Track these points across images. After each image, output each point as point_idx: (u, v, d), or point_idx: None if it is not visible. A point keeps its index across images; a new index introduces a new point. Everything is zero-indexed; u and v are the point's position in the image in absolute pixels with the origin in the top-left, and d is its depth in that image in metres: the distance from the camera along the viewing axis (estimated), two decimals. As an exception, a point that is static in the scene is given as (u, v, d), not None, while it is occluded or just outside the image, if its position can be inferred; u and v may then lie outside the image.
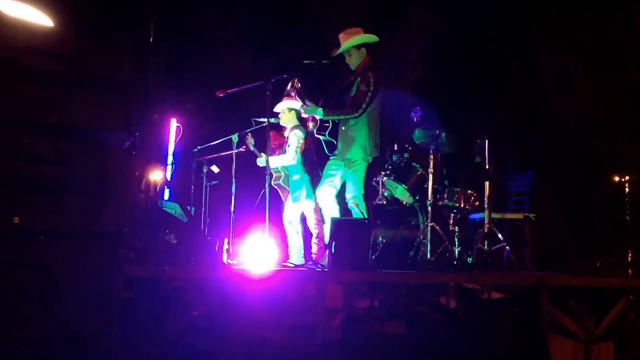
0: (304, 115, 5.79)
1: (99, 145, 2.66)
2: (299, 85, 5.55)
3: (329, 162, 5.66)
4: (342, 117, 5.45)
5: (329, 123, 5.63)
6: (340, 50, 5.59)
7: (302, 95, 5.58)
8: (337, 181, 5.57)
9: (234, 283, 4.12)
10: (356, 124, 5.42)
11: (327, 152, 5.72)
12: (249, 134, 6.11)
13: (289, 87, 5.63)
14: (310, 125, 5.88)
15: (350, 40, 5.54)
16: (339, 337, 4.77)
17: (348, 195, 5.49)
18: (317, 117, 5.62)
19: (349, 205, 5.50)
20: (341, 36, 5.62)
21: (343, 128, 5.52)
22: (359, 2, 11.11)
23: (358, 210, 5.37)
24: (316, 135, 5.76)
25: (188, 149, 6.83)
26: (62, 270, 2.47)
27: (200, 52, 10.88)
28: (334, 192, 5.57)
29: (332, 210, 5.51)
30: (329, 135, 5.67)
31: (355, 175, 5.45)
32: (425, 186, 5.55)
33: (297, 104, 5.70)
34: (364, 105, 5.35)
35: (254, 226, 5.59)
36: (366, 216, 5.39)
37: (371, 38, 5.58)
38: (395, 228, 5.82)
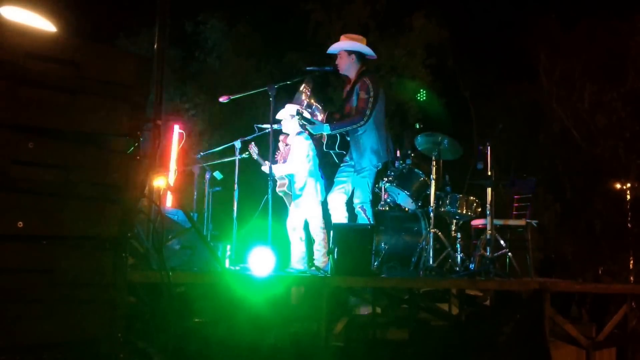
0: (314, 134, 5.73)
1: (103, 150, 2.67)
2: (309, 90, 5.54)
3: (340, 169, 5.65)
4: (349, 128, 5.44)
5: (336, 136, 5.62)
6: (332, 49, 5.61)
7: (311, 101, 5.57)
8: (348, 187, 5.56)
9: (237, 289, 4.12)
10: (365, 131, 5.42)
11: (337, 162, 5.71)
12: (252, 142, 6.10)
13: (301, 88, 5.61)
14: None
15: (344, 44, 5.56)
16: (342, 344, 4.76)
17: (356, 201, 5.49)
18: (325, 134, 5.61)
19: (355, 210, 5.50)
20: (342, 37, 5.66)
21: (353, 137, 5.51)
22: (362, 10, 11.18)
23: (364, 215, 5.37)
24: (325, 150, 5.74)
25: (191, 155, 6.84)
26: (65, 274, 2.47)
27: (203, 58, 10.93)
28: (345, 198, 5.56)
29: (342, 217, 5.51)
30: (338, 148, 5.66)
31: (364, 181, 5.46)
32: (428, 192, 5.55)
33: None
34: (368, 112, 5.35)
35: (257, 232, 5.59)
36: (372, 222, 5.39)
37: (366, 50, 5.56)
38: (398, 234, 5.82)
